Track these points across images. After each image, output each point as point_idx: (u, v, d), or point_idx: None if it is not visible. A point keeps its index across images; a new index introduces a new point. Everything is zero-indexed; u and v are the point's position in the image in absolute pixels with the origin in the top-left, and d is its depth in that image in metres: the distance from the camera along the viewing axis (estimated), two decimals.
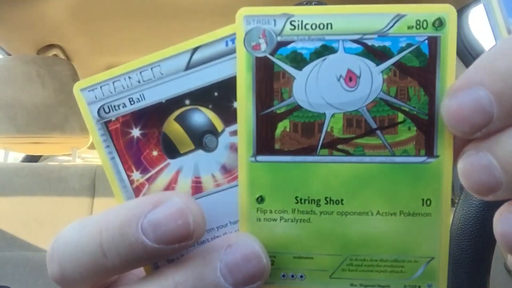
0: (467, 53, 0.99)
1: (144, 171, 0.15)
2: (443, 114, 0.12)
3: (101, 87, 0.15)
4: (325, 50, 0.14)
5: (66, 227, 0.14)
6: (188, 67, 0.15)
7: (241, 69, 0.14)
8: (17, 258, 0.94)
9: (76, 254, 0.13)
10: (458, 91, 0.12)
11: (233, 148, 0.15)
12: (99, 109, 0.15)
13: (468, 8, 0.94)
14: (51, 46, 1.16)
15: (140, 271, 0.17)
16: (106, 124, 0.15)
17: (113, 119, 0.15)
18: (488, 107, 0.11)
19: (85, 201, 1.00)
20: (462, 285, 0.34)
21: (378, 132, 0.14)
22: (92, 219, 0.13)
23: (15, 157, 1.47)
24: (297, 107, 0.14)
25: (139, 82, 0.15)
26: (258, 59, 0.14)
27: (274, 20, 0.14)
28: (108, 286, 0.16)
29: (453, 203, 0.58)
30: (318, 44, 0.14)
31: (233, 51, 0.14)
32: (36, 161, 1.40)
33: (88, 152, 2.07)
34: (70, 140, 1.03)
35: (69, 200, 0.99)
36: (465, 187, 0.12)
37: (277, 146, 0.15)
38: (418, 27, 0.14)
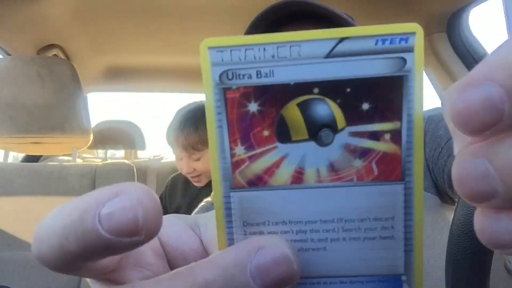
0: (468, 54, 0.99)
1: (249, 148, 0.14)
2: (449, 111, 0.11)
3: (231, 51, 0.14)
4: None
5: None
6: (329, 55, 0.14)
7: None
8: (17, 258, 0.94)
9: (48, 235, 0.13)
10: (467, 87, 0.11)
11: (348, 149, 0.14)
12: (222, 73, 0.14)
13: (468, 8, 0.94)
14: (51, 46, 1.17)
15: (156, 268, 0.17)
16: (225, 90, 0.14)
17: (234, 87, 0.14)
18: (499, 103, 0.11)
19: None
20: (462, 285, 0.34)
21: None
22: (70, 202, 0.14)
23: (15, 157, 1.47)
24: None
25: (272, 57, 0.14)
26: None
27: None
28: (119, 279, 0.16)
29: (453, 202, 0.58)
30: None
31: (380, 51, 0.14)
32: (36, 161, 1.40)
33: (88, 152, 2.07)
34: (70, 140, 1.03)
35: (69, 200, 0.99)
36: (458, 193, 0.12)
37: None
38: None
